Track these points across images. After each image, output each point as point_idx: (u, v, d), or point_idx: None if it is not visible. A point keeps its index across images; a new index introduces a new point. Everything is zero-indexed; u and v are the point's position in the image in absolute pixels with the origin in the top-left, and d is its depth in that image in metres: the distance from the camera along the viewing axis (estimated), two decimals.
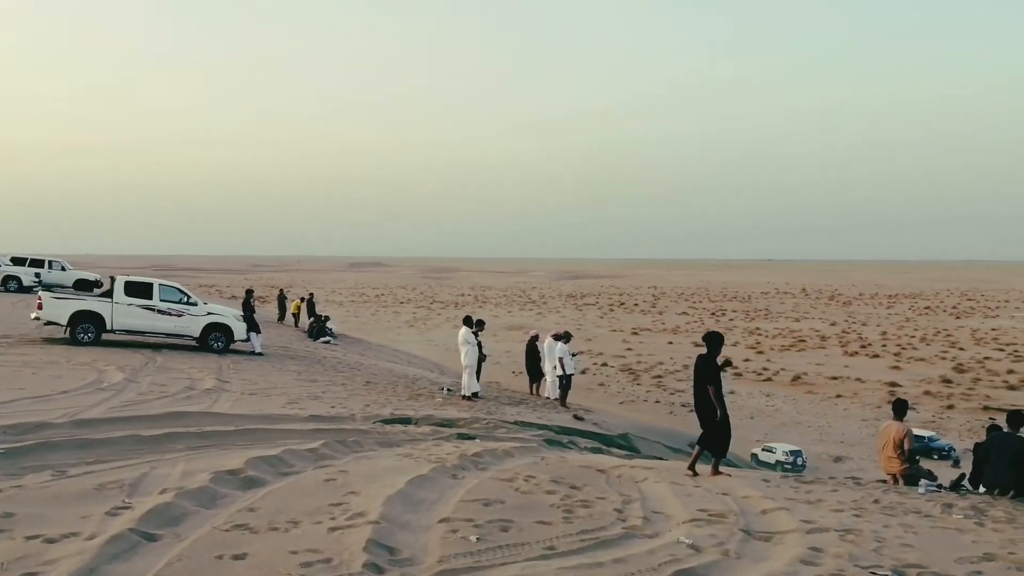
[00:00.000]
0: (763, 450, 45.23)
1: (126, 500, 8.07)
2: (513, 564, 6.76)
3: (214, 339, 24.12)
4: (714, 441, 11.77)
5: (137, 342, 23.86)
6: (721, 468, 12.06)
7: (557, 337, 22.16)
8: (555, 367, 21.83)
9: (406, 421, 15.40)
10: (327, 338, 36.12)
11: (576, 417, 19.87)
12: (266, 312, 47.68)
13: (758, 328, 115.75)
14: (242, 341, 24.70)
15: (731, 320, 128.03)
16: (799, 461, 44.03)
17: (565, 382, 21.67)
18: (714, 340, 11.69)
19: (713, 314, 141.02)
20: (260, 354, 24.90)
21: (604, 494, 9.71)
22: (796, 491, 10.89)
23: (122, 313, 23.16)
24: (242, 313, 25.55)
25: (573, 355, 22.47)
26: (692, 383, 11.98)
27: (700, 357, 11.83)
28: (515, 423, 16.82)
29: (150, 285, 23.91)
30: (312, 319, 39.10)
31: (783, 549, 7.74)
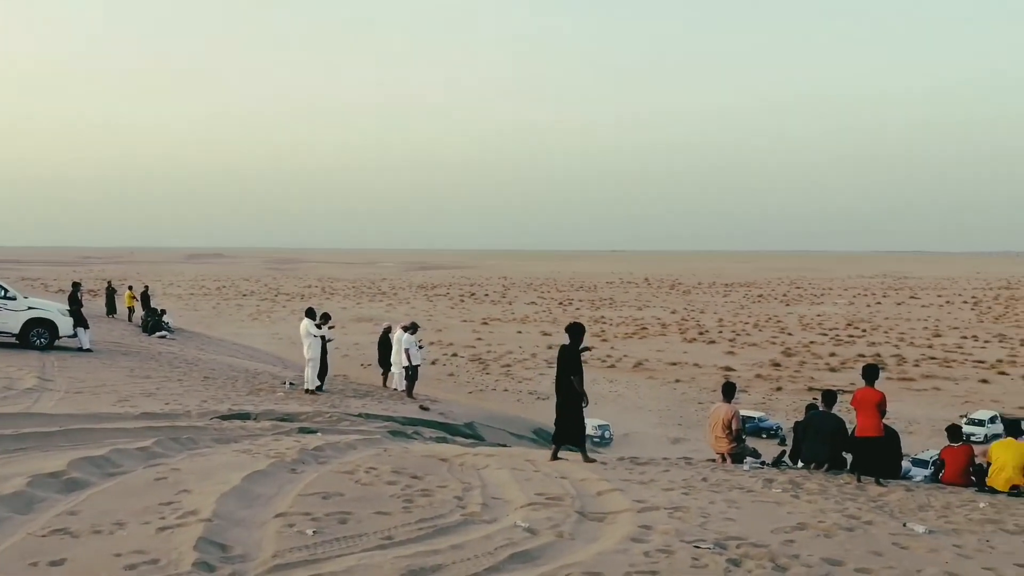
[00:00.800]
0: None
1: None
2: (350, 555, 6.75)
3: (36, 335, 22.75)
4: (576, 432, 12.07)
5: None
6: (560, 454, 12.35)
7: (405, 328, 22.12)
8: (401, 359, 21.77)
9: (245, 416, 15.05)
10: (163, 332, 34.74)
11: (422, 407, 19.90)
12: (96, 306, 45.38)
13: (603, 317, 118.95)
14: (68, 337, 23.42)
15: (577, 309, 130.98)
16: (606, 434, 47.81)
17: (411, 373, 21.65)
18: (577, 331, 12.06)
19: (560, 304, 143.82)
20: (88, 350, 23.69)
21: (445, 483, 9.80)
22: (631, 472, 11.31)
23: None
24: (68, 307, 24.22)
25: (421, 346, 22.46)
26: (556, 373, 12.22)
27: (563, 348, 12.08)
28: (360, 415, 16.71)
29: None
30: (146, 313, 37.48)
31: (615, 528, 8.05)
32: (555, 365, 12.35)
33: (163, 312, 37.50)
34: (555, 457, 12.13)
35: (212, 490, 8.54)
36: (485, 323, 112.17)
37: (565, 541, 7.49)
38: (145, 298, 39.86)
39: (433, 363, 70.19)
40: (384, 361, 23.68)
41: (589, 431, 46.39)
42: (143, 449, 10.75)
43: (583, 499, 9.28)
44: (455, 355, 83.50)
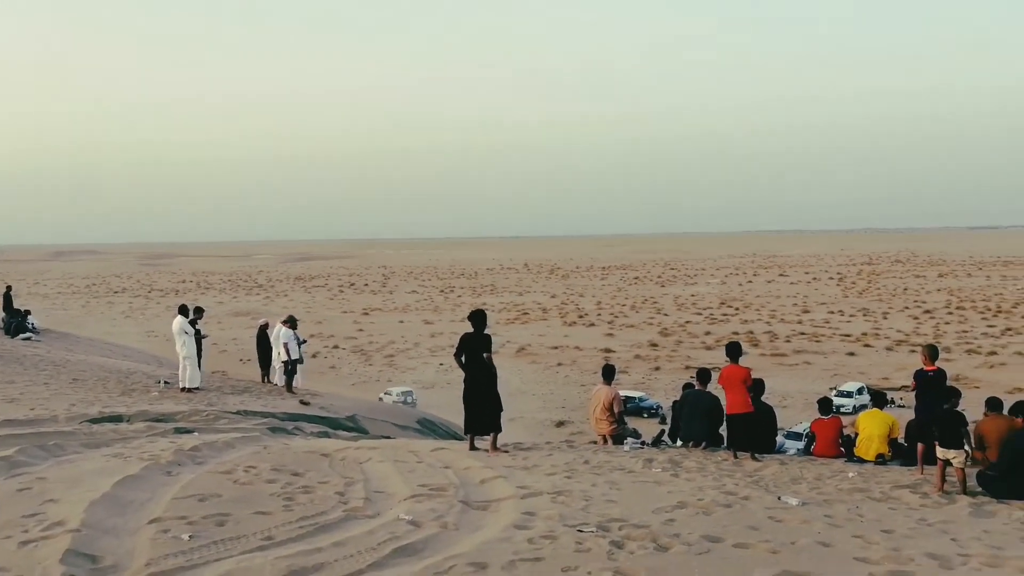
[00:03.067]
0: (384, 394, 53.32)
1: None
2: (228, 559, 6.56)
3: None
4: (494, 417, 11.96)
5: None
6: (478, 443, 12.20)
7: (283, 323, 21.65)
8: (279, 353, 21.31)
9: (117, 419, 14.42)
10: (27, 334, 32.98)
11: (302, 402, 19.51)
12: None
13: (485, 303, 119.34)
14: None
15: (459, 296, 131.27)
16: (409, 400, 51.98)
17: (291, 367, 21.22)
18: (480, 318, 11.90)
19: (442, 291, 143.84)
20: None
21: (327, 478, 9.65)
22: (514, 459, 11.38)
23: None
24: None
25: (302, 341, 22.02)
26: (464, 362, 11.87)
27: (469, 335, 11.85)
28: (238, 413, 16.25)
29: None
30: (8, 314, 35.50)
31: (499, 516, 8.09)
32: (457, 352, 11.94)
33: (27, 313, 35.57)
34: (474, 447, 12.04)
35: (81, 498, 8.16)
36: (366, 314, 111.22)
37: (449, 532, 7.48)
38: (7, 299, 37.67)
39: (314, 356, 69.13)
40: (263, 357, 23.15)
41: (394, 397, 49.89)
42: (4, 459, 10.15)
43: (467, 488, 9.29)
44: (336, 347, 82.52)
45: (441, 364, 69.96)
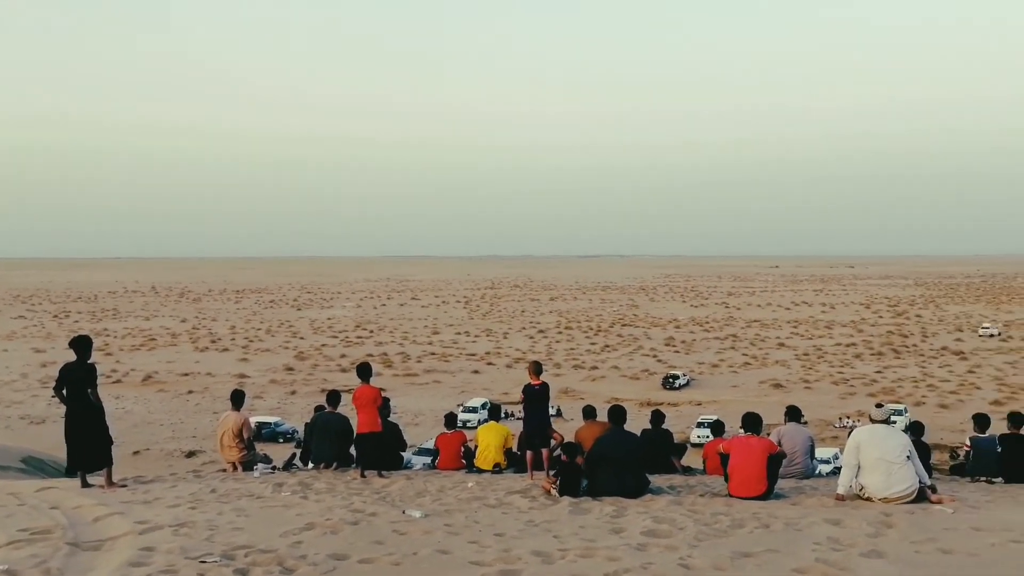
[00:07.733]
0: None
1: None
2: None
3: None
4: (104, 451, 11.11)
5: None
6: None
7: None
8: None
9: None
10: None
11: None
12: None
13: (106, 329, 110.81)
14: None
15: (76, 322, 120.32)
16: None
17: None
18: (83, 344, 11.09)
19: (56, 317, 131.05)
20: None
21: None
22: (133, 493, 10.72)
23: None
24: None
25: None
26: (66, 395, 11.06)
27: (71, 365, 11.00)
28: None
29: None
30: None
31: (113, 555, 7.58)
32: (57, 384, 11.12)
33: None
34: (86, 484, 11.06)
35: None
36: None
37: None
38: None
39: None
40: None
41: None
42: None
43: (77, 528, 8.59)
44: None
45: (53, 396, 63.62)
